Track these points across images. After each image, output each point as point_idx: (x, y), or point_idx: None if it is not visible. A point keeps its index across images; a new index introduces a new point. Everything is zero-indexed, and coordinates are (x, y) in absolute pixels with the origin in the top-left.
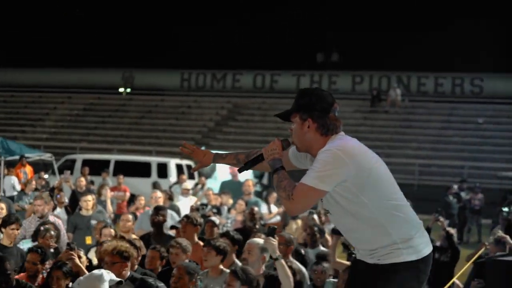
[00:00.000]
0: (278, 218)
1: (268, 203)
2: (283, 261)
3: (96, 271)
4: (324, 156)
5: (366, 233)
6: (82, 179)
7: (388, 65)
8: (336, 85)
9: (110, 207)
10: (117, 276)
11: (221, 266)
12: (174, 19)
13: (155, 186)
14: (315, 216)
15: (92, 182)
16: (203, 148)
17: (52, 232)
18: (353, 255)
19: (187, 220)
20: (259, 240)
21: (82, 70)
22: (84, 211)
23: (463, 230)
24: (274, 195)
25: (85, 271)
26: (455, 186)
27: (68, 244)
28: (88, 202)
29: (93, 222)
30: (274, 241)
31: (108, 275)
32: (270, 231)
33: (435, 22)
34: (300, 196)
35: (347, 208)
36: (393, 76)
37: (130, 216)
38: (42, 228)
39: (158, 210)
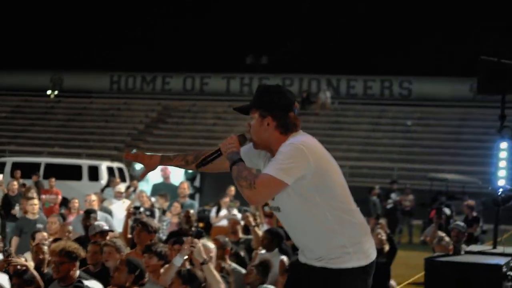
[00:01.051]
0: (225, 222)
1: (219, 206)
2: (210, 265)
3: None
4: (287, 149)
5: (316, 234)
6: (15, 182)
7: (318, 68)
8: None
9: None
10: (66, 276)
11: (162, 270)
12: (104, 21)
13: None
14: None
15: (24, 185)
16: (134, 151)
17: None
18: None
19: (142, 226)
20: (210, 245)
21: (9, 72)
22: (30, 214)
23: (394, 231)
24: (227, 199)
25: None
26: (376, 187)
27: (5, 250)
28: (34, 206)
29: (39, 225)
30: (197, 244)
31: None
32: (197, 234)
33: (364, 25)
34: (263, 185)
35: (299, 206)
36: (322, 78)
37: (56, 218)
38: None
39: (89, 213)
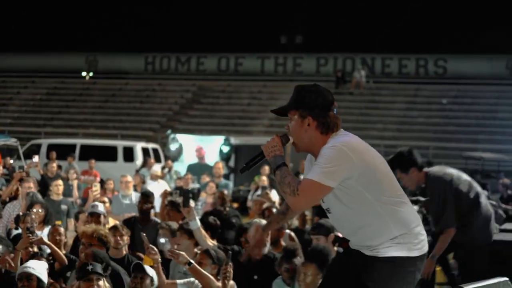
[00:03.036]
0: None
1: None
2: (195, 265)
3: None
4: (329, 152)
5: (369, 229)
6: (54, 164)
7: (352, 47)
8: (300, 67)
9: (76, 192)
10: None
11: (195, 250)
12: (138, 2)
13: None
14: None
15: (60, 167)
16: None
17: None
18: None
19: (172, 206)
20: (263, 221)
21: (45, 55)
22: (54, 195)
23: None
24: (264, 178)
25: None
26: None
27: (27, 228)
28: (59, 186)
29: (63, 206)
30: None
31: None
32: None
33: (398, 4)
34: (305, 191)
35: (349, 205)
36: (357, 57)
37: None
38: (21, 213)
39: (147, 197)
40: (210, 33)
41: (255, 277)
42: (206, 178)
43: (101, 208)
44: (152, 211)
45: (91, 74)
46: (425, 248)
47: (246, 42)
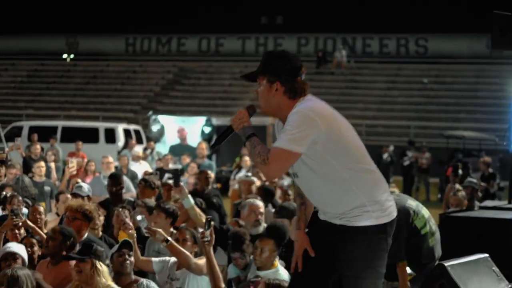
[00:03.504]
0: None
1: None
2: (172, 242)
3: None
4: (295, 118)
5: (335, 195)
6: (37, 146)
7: (333, 27)
8: (281, 48)
9: (55, 174)
10: (76, 234)
11: (171, 229)
12: None
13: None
14: None
15: (42, 149)
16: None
17: (20, 198)
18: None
19: (145, 183)
20: (259, 202)
21: (25, 37)
22: (37, 177)
23: (411, 189)
24: (247, 159)
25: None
26: (391, 148)
27: (11, 211)
28: (41, 168)
29: (47, 188)
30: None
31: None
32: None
33: None
34: (275, 159)
35: (316, 170)
36: (338, 37)
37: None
38: (8, 194)
39: (115, 179)
40: (191, 14)
41: None
42: (186, 159)
43: (85, 189)
44: (134, 192)
45: (71, 56)
46: (394, 214)
47: (226, 22)
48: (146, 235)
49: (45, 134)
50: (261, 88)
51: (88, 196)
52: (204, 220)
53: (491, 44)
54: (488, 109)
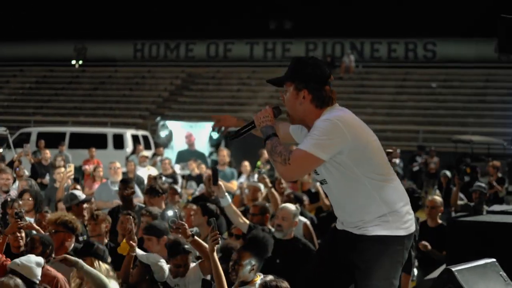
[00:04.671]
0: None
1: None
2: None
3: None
4: (323, 125)
5: (357, 205)
6: (47, 151)
7: (341, 32)
8: (289, 53)
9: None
10: (60, 246)
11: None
12: None
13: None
14: None
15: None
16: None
17: (21, 202)
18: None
19: (151, 192)
20: (292, 207)
21: (33, 43)
22: (57, 183)
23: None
24: (246, 164)
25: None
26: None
27: (15, 213)
28: (62, 174)
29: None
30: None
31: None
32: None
33: None
34: (297, 161)
35: (340, 179)
36: (346, 42)
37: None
38: (9, 198)
39: (126, 183)
40: (199, 20)
41: (277, 260)
42: (192, 165)
43: (78, 194)
44: (141, 197)
45: (80, 62)
46: (412, 228)
47: (235, 28)
48: (174, 231)
49: (54, 140)
50: (288, 95)
51: (86, 202)
52: (242, 221)
53: (498, 48)
54: (496, 113)
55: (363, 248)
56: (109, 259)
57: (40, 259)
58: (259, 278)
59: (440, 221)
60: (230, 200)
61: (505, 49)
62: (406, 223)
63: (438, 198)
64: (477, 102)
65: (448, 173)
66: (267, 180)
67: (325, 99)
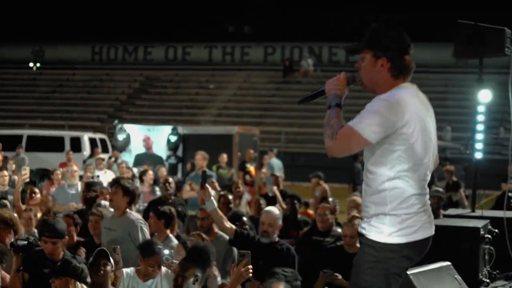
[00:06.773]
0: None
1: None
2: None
3: None
4: (379, 105)
5: (371, 192)
6: (0, 155)
7: (300, 36)
8: (248, 56)
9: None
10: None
11: (128, 210)
12: None
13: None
14: None
15: (5, 158)
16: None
17: None
18: None
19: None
20: (276, 210)
21: None
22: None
23: None
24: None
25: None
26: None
27: None
28: (5, 177)
29: (10, 197)
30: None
31: None
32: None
33: None
34: (342, 137)
35: (369, 162)
36: (304, 46)
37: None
38: None
39: (90, 186)
40: (157, 23)
41: (260, 262)
42: (146, 167)
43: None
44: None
45: (37, 64)
46: (416, 236)
47: (193, 31)
48: (166, 267)
49: (10, 143)
50: (365, 63)
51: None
52: (228, 226)
53: (454, 53)
54: (454, 118)
55: (359, 251)
56: (88, 279)
57: None
58: None
59: None
60: (215, 204)
61: (460, 54)
62: (403, 230)
63: None
64: (436, 107)
65: None
66: (216, 184)
67: (403, 69)
